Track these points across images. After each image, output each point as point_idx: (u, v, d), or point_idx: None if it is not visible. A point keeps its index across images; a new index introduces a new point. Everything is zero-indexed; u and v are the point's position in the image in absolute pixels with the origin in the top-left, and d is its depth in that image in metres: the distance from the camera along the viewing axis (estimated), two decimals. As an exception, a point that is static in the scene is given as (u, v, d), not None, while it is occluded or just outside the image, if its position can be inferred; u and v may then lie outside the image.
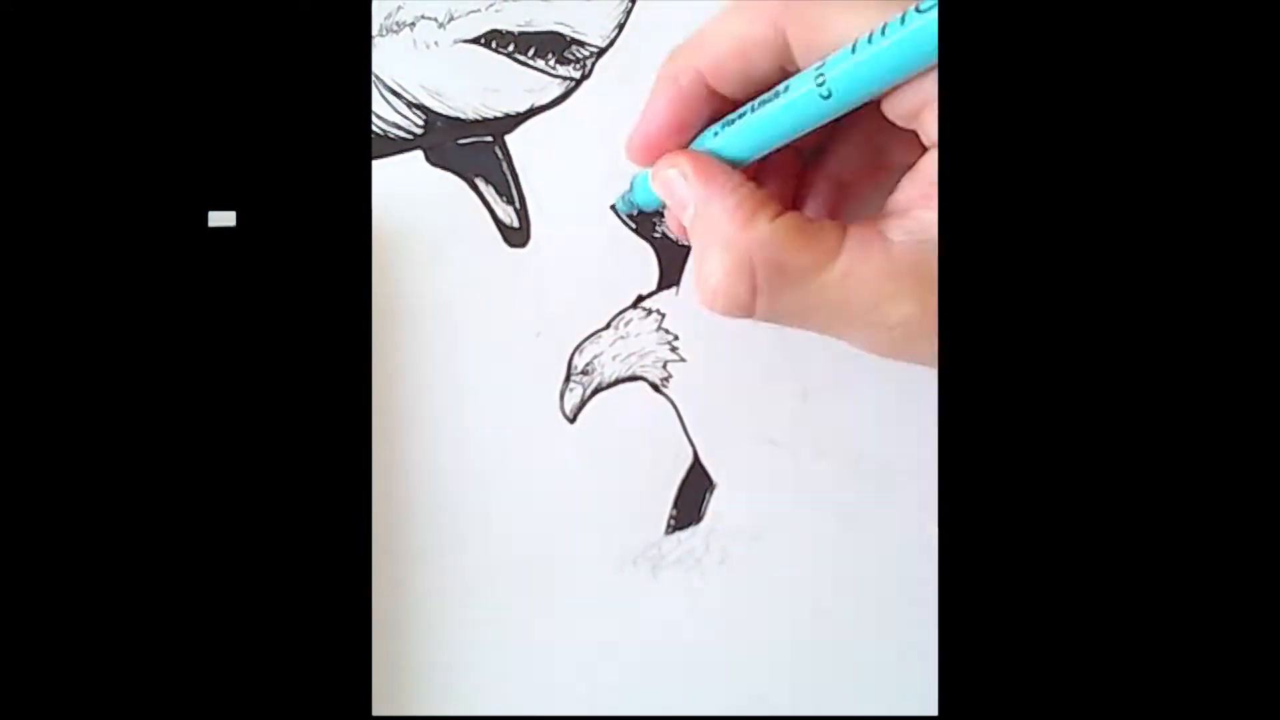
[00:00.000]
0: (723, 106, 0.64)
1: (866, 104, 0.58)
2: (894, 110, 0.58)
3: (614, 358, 0.79)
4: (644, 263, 0.78)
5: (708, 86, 0.63)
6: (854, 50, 0.55)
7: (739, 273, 0.59)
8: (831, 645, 0.80)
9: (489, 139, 0.78)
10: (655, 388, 0.79)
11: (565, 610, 0.79)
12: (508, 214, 0.78)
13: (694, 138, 0.65)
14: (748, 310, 0.60)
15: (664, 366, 0.79)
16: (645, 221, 0.78)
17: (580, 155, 0.78)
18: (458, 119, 0.78)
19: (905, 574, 0.79)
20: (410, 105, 0.78)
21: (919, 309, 0.57)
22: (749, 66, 0.61)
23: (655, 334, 0.78)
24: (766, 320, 0.61)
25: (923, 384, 0.76)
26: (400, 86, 0.78)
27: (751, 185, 0.61)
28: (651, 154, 0.66)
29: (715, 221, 0.60)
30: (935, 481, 0.77)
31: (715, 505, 0.79)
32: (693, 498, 0.79)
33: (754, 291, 0.59)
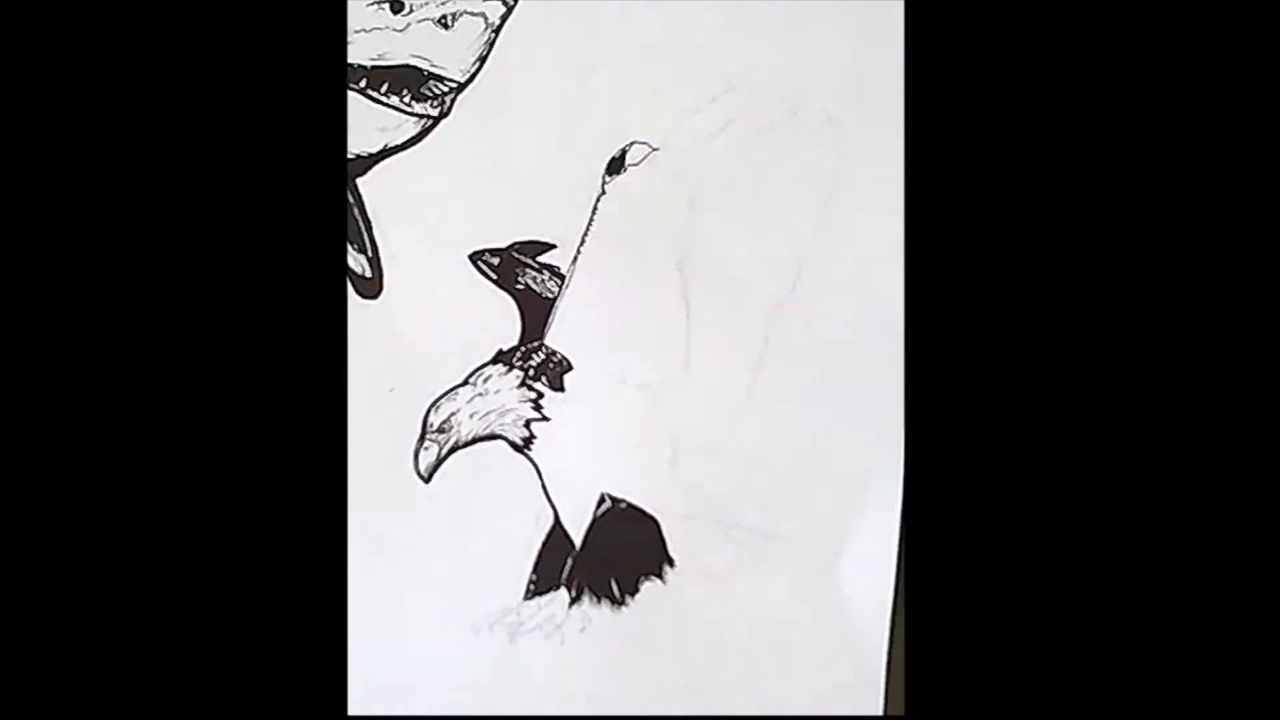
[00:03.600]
0: None
1: None
2: None
3: (472, 415, 0.74)
4: (506, 315, 0.74)
5: None
6: None
7: None
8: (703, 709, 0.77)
9: (336, 183, 0.73)
10: (516, 447, 0.75)
11: (417, 675, 0.75)
12: (359, 263, 0.73)
13: None
14: None
15: (526, 425, 0.74)
16: (508, 272, 0.73)
17: (438, 199, 0.73)
18: (304, 157, 0.73)
19: (778, 639, 0.76)
20: (250, 143, 0.72)
21: None
22: None
23: (516, 391, 0.74)
24: None
25: (800, 448, 0.74)
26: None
27: None
28: None
29: None
30: (805, 546, 0.75)
31: (577, 570, 0.75)
32: (554, 562, 0.75)
33: None
